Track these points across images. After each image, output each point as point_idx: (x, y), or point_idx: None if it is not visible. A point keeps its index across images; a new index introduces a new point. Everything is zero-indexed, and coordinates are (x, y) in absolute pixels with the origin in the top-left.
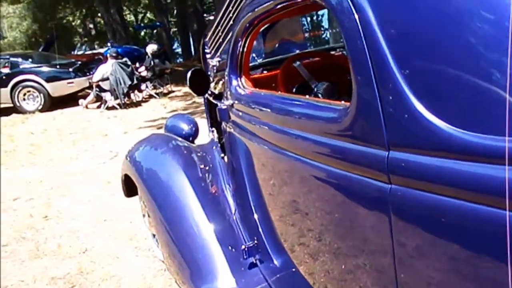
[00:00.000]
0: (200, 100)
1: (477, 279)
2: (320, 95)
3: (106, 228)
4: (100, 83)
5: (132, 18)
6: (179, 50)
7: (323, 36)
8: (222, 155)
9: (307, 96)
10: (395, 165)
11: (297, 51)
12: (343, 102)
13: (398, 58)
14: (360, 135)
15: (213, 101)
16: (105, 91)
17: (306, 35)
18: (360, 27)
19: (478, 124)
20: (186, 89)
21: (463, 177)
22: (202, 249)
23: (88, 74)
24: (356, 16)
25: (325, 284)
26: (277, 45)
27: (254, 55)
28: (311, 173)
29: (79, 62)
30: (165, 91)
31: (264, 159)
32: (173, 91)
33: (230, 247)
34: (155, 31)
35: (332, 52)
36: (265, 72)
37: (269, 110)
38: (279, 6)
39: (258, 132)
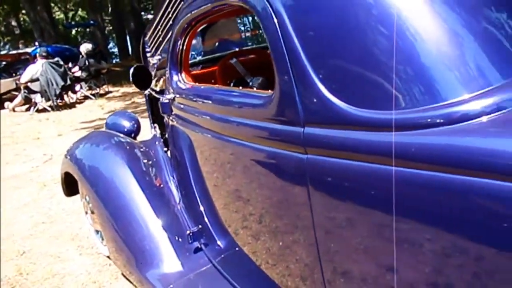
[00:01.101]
0: (140, 100)
1: (376, 226)
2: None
3: (45, 230)
4: (29, 84)
5: (62, 16)
6: (115, 49)
7: (257, 35)
8: (165, 149)
9: (240, 88)
10: (309, 138)
11: (235, 49)
12: (269, 91)
13: (309, 55)
14: (282, 116)
15: (156, 95)
16: (34, 92)
17: (243, 34)
18: (279, 30)
19: (369, 103)
20: (125, 89)
21: (360, 144)
22: (147, 238)
23: (14, 75)
24: (276, 21)
25: (267, 260)
26: (216, 44)
27: (194, 53)
28: (245, 153)
29: (4, 62)
30: (102, 91)
31: (204, 146)
32: (111, 92)
33: (175, 235)
34: (88, 29)
35: (266, 50)
36: (203, 69)
37: (208, 101)
38: (213, 10)
39: (198, 121)
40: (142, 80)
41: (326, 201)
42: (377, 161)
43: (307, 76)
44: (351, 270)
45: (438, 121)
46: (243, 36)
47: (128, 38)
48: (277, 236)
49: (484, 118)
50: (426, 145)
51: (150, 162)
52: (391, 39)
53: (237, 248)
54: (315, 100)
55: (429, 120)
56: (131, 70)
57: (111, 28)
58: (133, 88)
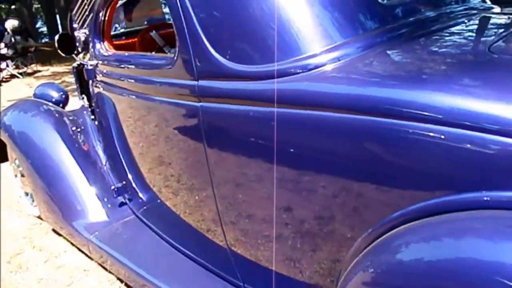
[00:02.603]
0: (70, 79)
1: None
2: None
3: None
4: None
5: None
6: (43, 28)
7: None
8: (92, 117)
9: (153, 53)
10: (202, 90)
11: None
12: (172, 53)
13: (201, 24)
14: (182, 73)
15: (83, 62)
16: None
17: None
18: (179, 5)
19: (245, 59)
20: (54, 68)
21: (238, 92)
22: (76, 195)
23: None
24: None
25: (185, 210)
26: (139, 18)
27: (117, 26)
28: (155, 107)
29: None
30: (30, 70)
31: (124, 105)
32: (40, 71)
33: (102, 191)
34: (13, 6)
35: None
36: (125, 40)
37: (126, 65)
38: None
39: (118, 83)
40: (67, 46)
41: (217, 140)
42: (250, 104)
43: (200, 41)
44: (239, 203)
45: (298, 70)
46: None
47: (58, 16)
48: (186, 180)
49: (329, 67)
50: (289, 90)
51: (78, 129)
52: (261, 10)
53: (158, 201)
54: (205, 60)
55: (292, 70)
56: (56, 37)
57: (39, 5)
58: (63, 68)
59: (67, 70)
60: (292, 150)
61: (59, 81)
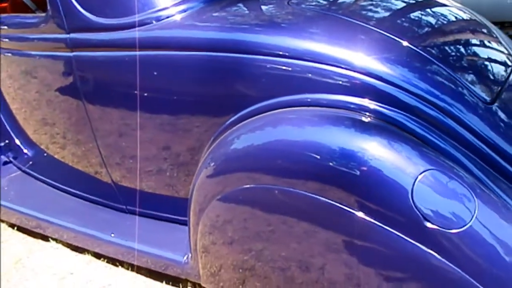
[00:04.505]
0: None
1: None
2: None
3: None
4: None
5: None
6: None
7: None
8: None
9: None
10: (73, 41)
11: None
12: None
13: None
14: (54, 28)
15: None
16: None
17: None
18: None
19: (107, 14)
20: None
21: (102, 41)
22: None
23: None
24: None
25: (72, 160)
26: None
27: None
28: (33, 62)
29: None
30: None
31: (3, 64)
32: None
33: None
34: None
35: None
36: None
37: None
38: None
39: None
40: None
41: (89, 85)
42: (113, 51)
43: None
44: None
45: (152, 21)
46: None
47: None
48: (65, 126)
49: (178, 17)
50: (147, 37)
51: None
52: None
53: (44, 154)
54: (74, 16)
55: (147, 20)
56: None
57: None
58: None
59: None
60: (152, 87)
61: None
